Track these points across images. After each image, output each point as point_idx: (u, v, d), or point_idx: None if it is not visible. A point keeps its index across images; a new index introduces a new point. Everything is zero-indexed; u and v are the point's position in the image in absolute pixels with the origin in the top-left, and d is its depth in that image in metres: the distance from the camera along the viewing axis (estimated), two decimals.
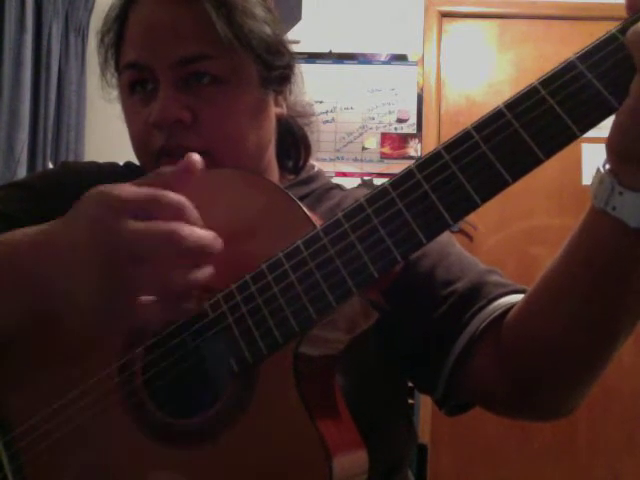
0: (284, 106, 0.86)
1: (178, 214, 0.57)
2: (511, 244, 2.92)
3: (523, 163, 0.53)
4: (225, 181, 0.67)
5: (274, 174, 0.88)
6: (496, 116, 0.55)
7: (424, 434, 2.70)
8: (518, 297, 0.72)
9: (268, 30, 0.80)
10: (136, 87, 0.78)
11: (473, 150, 0.55)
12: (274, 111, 0.84)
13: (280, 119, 0.86)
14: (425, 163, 0.57)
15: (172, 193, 0.57)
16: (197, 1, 0.76)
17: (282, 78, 0.83)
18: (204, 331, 0.61)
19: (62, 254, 0.58)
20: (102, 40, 0.84)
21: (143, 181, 0.59)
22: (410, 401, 0.90)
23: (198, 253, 0.57)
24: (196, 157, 0.60)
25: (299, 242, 0.60)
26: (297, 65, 0.86)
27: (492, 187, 0.54)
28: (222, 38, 0.75)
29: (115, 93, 0.85)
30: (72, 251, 0.57)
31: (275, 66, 0.81)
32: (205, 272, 0.58)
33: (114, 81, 0.85)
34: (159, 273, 0.55)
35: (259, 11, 0.80)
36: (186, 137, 0.75)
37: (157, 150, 0.76)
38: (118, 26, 0.81)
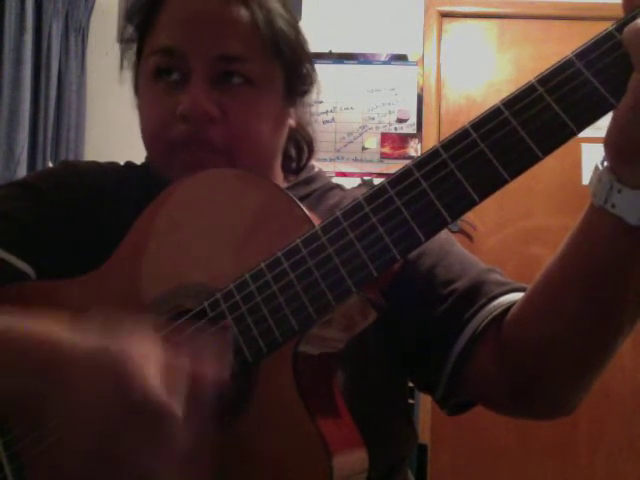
0: (295, 117, 0.86)
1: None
2: (511, 244, 2.92)
3: (521, 161, 0.53)
4: (225, 181, 0.67)
5: (277, 175, 0.88)
6: (494, 114, 0.55)
7: (424, 434, 2.70)
8: (518, 295, 0.72)
9: (297, 38, 0.81)
10: (161, 74, 0.77)
11: (471, 148, 0.55)
12: (289, 123, 0.84)
13: (290, 129, 0.86)
14: (423, 161, 0.57)
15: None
16: (244, 1, 0.75)
17: (303, 92, 0.84)
18: (204, 330, 0.61)
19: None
20: (130, 19, 0.81)
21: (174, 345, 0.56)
22: (410, 401, 0.90)
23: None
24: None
25: (298, 241, 0.60)
26: (316, 81, 0.86)
27: (490, 185, 0.54)
28: (261, 41, 0.75)
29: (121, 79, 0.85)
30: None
31: (299, 77, 0.82)
32: None
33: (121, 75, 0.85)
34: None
35: (288, 17, 0.80)
36: (210, 132, 0.74)
37: (177, 141, 0.75)
38: (151, 8, 0.79)
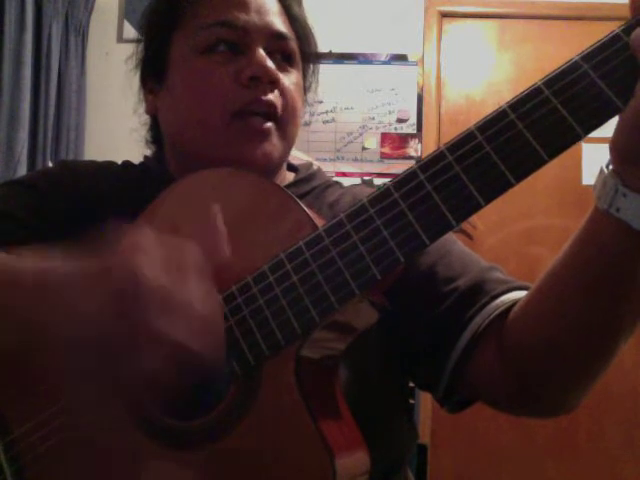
0: None
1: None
2: (511, 244, 2.92)
3: (527, 164, 0.53)
4: (227, 181, 0.67)
5: (285, 171, 0.89)
6: (500, 116, 0.54)
7: (424, 434, 2.70)
8: (521, 294, 0.72)
9: (314, 39, 0.89)
10: (211, 49, 0.79)
11: (477, 151, 0.55)
12: None
13: None
14: (428, 163, 0.56)
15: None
16: None
17: (307, 89, 0.89)
18: None
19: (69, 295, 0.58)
20: (166, 3, 0.84)
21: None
22: (410, 401, 0.90)
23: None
24: None
25: (301, 243, 0.59)
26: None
27: (496, 188, 0.54)
28: (295, 25, 0.83)
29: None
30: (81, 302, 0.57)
31: (311, 69, 0.89)
32: None
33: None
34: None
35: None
36: (273, 96, 0.78)
37: (241, 107, 0.77)
38: None
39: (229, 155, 0.76)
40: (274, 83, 0.78)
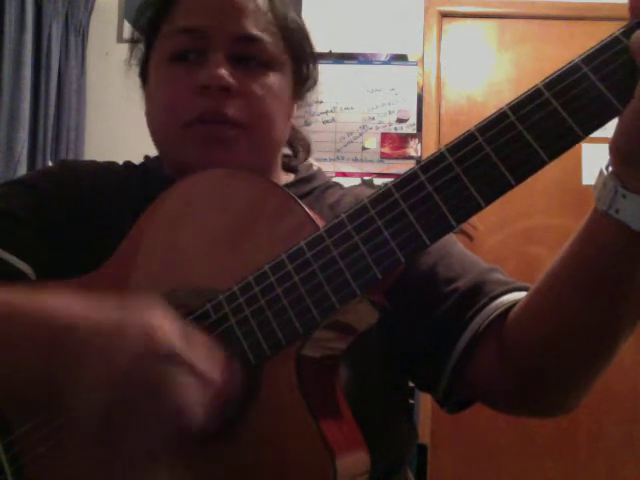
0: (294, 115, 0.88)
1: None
2: (511, 244, 2.92)
3: (527, 165, 0.53)
4: (227, 181, 0.67)
5: (279, 173, 0.88)
6: (500, 118, 0.55)
7: (424, 434, 2.70)
8: (520, 295, 0.72)
9: (305, 30, 0.85)
10: (179, 57, 0.78)
11: (477, 152, 0.55)
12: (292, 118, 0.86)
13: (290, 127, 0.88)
14: (428, 164, 0.57)
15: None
16: None
17: (307, 85, 0.87)
18: (207, 332, 0.61)
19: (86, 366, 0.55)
20: (144, 11, 0.83)
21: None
22: (410, 401, 0.90)
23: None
24: None
25: (302, 243, 0.60)
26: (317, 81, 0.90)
27: (496, 189, 0.54)
28: (276, 25, 0.79)
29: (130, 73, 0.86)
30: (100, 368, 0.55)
31: (306, 68, 0.85)
32: None
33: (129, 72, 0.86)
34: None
35: (299, 17, 0.85)
36: (228, 106, 0.76)
37: (195, 116, 0.76)
38: None
39: (190, 161, 0.75)
40: (229, 90, 0.75)
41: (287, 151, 0.93)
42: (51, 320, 0.58)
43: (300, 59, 0.84)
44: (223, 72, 0.75)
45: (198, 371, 0.54)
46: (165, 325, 0.55)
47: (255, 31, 0.78)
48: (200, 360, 0.55)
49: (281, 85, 0.80)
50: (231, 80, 0.75)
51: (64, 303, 0.59)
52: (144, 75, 0.85)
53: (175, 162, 0.80)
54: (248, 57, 0.78)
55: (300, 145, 0.93)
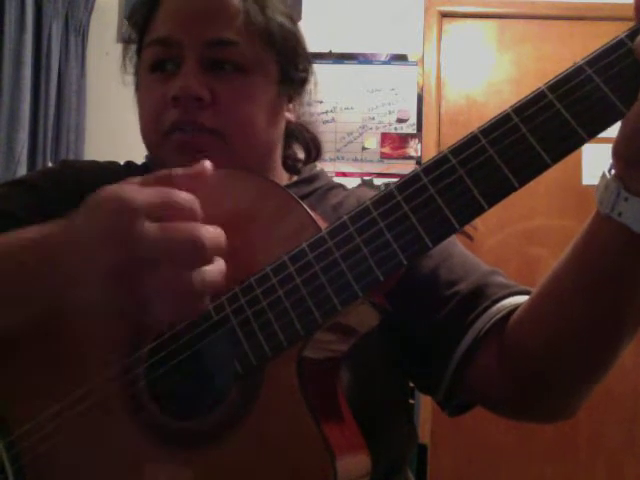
0: (294, 113, 0.88)
1: (190, 215, 0.56)
2: (512, 244, 2.92)
3: (530, 167, 0.53)
4: (229, 181, 0.67)
5: (279, 174, 0.88)
6: (503, 120, 0.54)
7: (424, 434, 2.70)
8: (522, 298, 0.72)
9: (292, 30, 0.84)
10: (157, 66, 0.79)
11: (480, 154, 0.55)
12: (285, 115, 0.86)
13: (289, 125, 0.88)
14: (431, 166, 0.56)
15: (184, 194, 0.56)
16: None
17: (299, 82, 0.86)
18: (208, 333, 0.61)
19: (70, 256, 0.57)
20: (130, 19, 0.85)
21: (153, 179, 0.58)
22: (410, 401, 0.90)
23: (214, 253, 0.56)
24: (208, 163, 0.59)
25: (304, 245, 0.59)
26: (313, 75, 0.89)
27: (499, 191, 0.54)
28: (253, 28, 0.78)
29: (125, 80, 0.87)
30: (81, 253, 0.56)
31: (294, 67, 0.84)
32: (221, 270, 0.56)
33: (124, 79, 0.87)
34: (177, 275, 0.53)
35: (284, 10, 0.83)
36: (201, 115, 0.76)
37: (169, 126, 0.77)
38: (149, 6, 0.82)
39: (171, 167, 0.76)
40: (201, 100, 0.76)
41: (299, 152, 0.93)
42: (30, 247, 0.61)
43: (287, 59, 0.83)
44: (192, 82, 0.76)
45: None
46: (129, 186, 0.57)
47: (227, 35, 0.77)
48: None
49: (261, 87, 0.80)
50: (200, 89, 0.76)
51: (33, 232, 0.62)
52: (137, 80, 0.87)
53: (162, 168, 0.80)
54: (222, 61, 0.78)
55: (312, 145, 0.94)
